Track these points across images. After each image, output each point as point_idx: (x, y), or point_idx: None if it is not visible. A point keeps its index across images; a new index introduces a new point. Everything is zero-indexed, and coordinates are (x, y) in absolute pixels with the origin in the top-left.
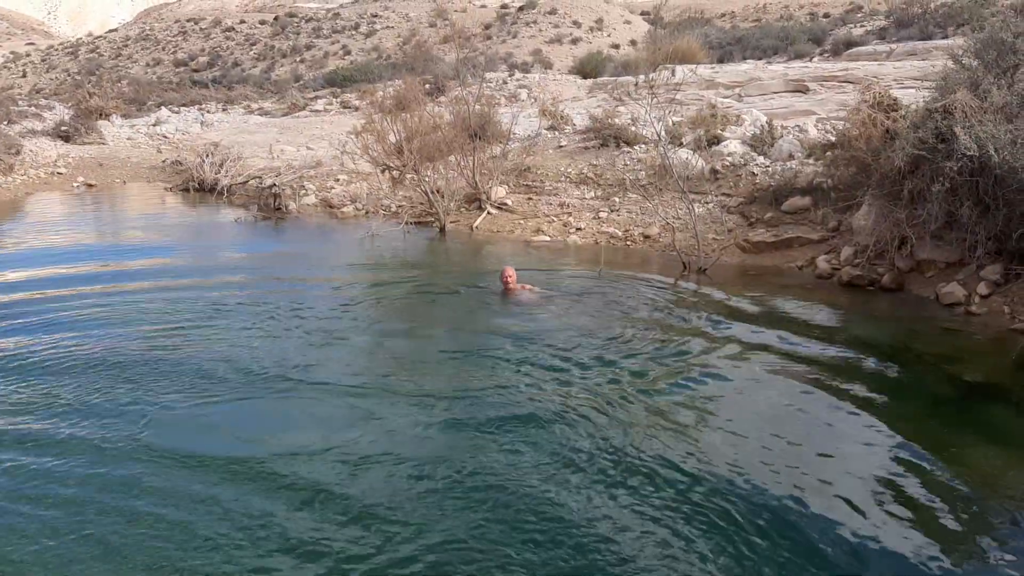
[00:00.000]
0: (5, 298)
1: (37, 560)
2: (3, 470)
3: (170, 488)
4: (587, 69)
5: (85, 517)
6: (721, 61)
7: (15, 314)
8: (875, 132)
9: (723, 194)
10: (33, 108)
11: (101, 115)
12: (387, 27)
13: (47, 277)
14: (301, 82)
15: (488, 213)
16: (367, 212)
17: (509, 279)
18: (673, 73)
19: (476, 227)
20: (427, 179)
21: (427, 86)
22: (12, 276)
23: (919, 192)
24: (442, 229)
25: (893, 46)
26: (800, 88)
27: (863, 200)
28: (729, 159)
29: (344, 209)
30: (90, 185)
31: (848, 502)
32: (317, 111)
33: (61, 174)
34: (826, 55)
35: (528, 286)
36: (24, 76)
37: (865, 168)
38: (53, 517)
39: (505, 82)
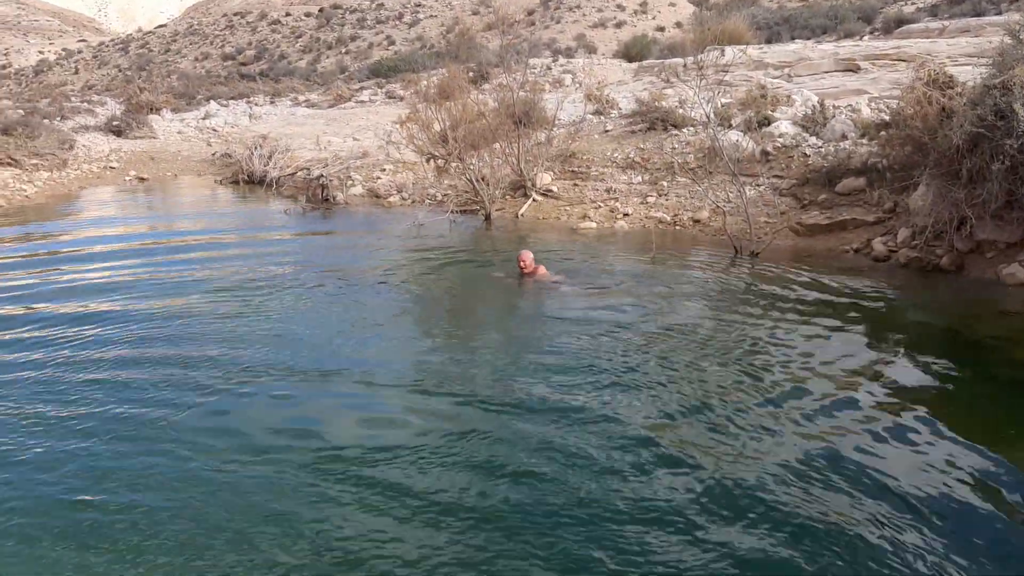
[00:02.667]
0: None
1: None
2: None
3: (202, 477)
4: (632, 53)
5: (113, 504)
6: (769, 42)
7: (66, 307)
8: (931, 110)
9: (774, 176)
10: (86, 104)
11: (152, 110)
12: (431, 16)
13: (100, 268)
14: (346, 73)
15: (533, 200)
16: (413, 201)
17: (523, 263)
18: (723, 53)
19: (521, 215)
20: (472, 167)
21: (471, 74)
22: (63, 267)
23: (978, 171)
24: (487, 217)
25: (945, 23)
26: (851, 67)
27: (920, 180)
28: (780, 140)
29: (390, 199)
30: (142, 179)
31: (906, 487)
32: (362, 102)
33: (114, 168)
34: (877, 33)
35: (543, 268)
36: (76, 73)
37: (922, 147)
38: (92, 502)
39: (549, 67)
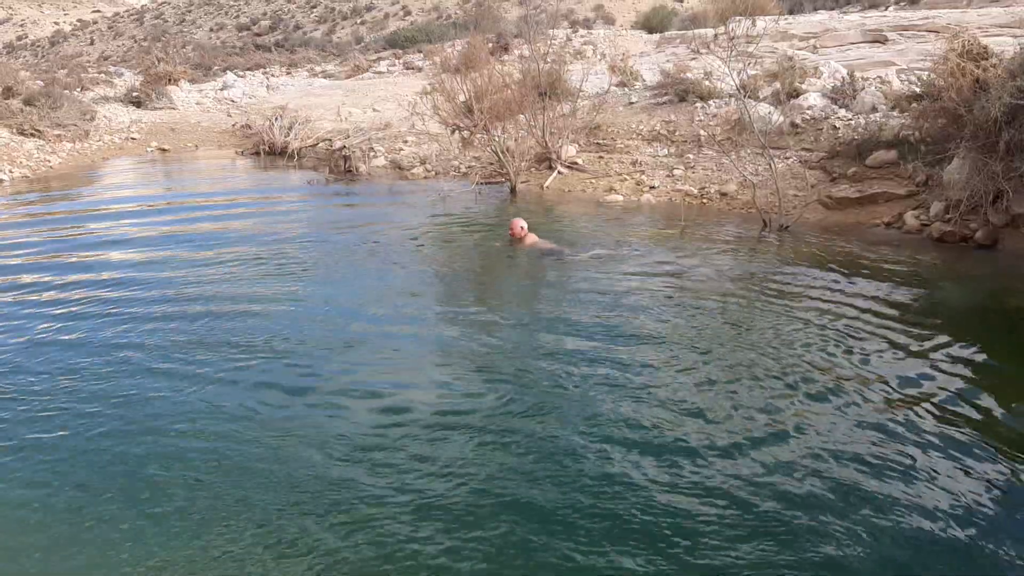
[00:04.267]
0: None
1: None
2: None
3: (223, 452)
4: (653, 23)
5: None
6: (791, 12)
7: (90, 269)
8: (965, 82)
9: (803, 149)
10: (103, 75)
11: (170, 81)
12: None
13: (127, 238)
14: (362, 44)
15: (559, 172)
16: (437, 173)
17: (514, 230)
18: (754, 23)
19: (547, 187)
20: (497, 139)
21: (490, 45)
22: (88, 232)
23: (1016, 143)
24: (513, 189)
25: None
26: (878, 38)
27: (955, 153)
28: (809, 112)
29: (414, 170)
30: (163, 150)
31: (936, 465)
32: (380, 73)
33: (135, 139)
34: (903, 4)
35: (534, 236)
36: (92, 44)
37: (956, 119)
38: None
39: (569, 39)
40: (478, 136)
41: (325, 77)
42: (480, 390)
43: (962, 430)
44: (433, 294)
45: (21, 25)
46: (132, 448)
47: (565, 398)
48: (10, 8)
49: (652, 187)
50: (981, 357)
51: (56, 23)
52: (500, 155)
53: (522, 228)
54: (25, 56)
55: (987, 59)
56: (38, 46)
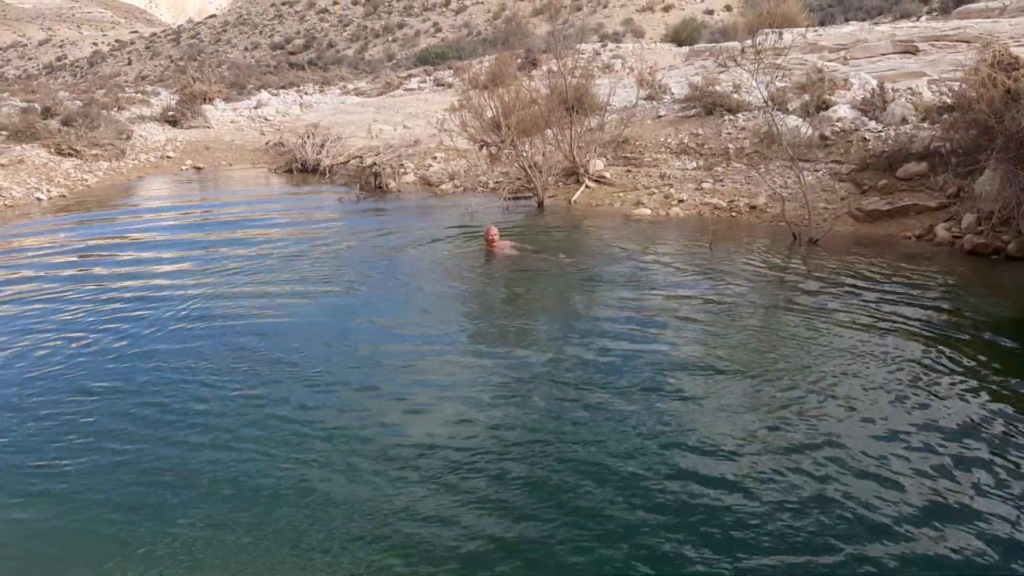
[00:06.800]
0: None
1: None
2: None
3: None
4: (682, 37)
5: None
6: (822, 24)
7: (129, 291)
8: (995, 93)
9: (833, 161)
10: (140, 94)
11: (205, 99)
12: (477, 2)
13: (163, 253)
14: (394, 61)
15: (586, 187)
16: (465, 188)
17: (493, 236)
18: (781, 36)
19: (574, 201)
20: (525, 154)
21: (519, 60)
22: (126, 255)
23: None
24: (540, 204)
25: (1006, 2)
26: (909, 49)
27: (986, 164)
28: (839, 125)
29: (443, 186)
30: (198, 168)
31: (966, 479)
32: (411, 89)
33: (170, 158)
34: (934, 14)
35: (508, 243)
36: (129, 64)
37: (988, 131)
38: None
39: (598, 53)
40: (506, 152)
41: (357, 94)
42: (513, 409)
43: (998, 443)
44: (466, 312)
45: (61, 46)
46: (154, 463)
47: (603, 422)
48: (50, 30)
49: (680, 201)
50: (1012, 370)
51: (95, 44)
52: (527, 170)
53: (492, 236)
54: (64, 76)
55: (1018, 69)
56: (77, 66)
